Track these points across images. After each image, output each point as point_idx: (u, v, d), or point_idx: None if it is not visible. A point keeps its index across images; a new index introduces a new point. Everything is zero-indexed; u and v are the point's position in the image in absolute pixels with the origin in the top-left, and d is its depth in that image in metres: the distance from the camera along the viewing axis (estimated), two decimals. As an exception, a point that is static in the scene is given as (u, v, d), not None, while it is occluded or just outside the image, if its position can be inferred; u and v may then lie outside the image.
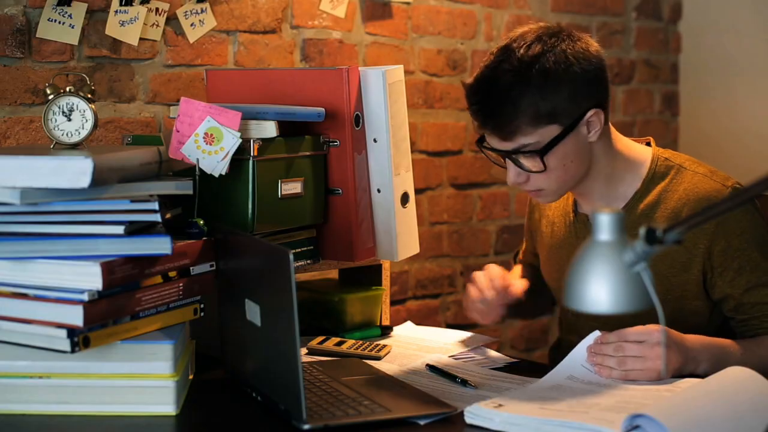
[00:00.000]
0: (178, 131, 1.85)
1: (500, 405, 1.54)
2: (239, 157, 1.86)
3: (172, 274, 1.70)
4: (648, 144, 1.98)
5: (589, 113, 1.82)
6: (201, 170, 1.83)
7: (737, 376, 1.57)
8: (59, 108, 1.76)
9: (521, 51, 1.79)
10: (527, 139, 1.80)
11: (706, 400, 1.48)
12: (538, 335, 3.14)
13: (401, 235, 2.06)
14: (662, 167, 1.92)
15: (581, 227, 1.98)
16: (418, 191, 2.73)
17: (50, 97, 1.76)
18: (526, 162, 1.83)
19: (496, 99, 1.79)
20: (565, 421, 1.46)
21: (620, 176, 1.92)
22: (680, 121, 3.58)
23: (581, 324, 2.02)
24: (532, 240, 2.16)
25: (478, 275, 1.97)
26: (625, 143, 1.93)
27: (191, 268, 1.72)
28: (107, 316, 1.57)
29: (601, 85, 1.85)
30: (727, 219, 1.84)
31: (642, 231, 1.26)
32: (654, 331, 1.69)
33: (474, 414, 1.53)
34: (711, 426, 1.42)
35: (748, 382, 1.55)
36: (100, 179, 1.60)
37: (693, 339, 1.75)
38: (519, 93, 1.77)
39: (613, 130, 1.92)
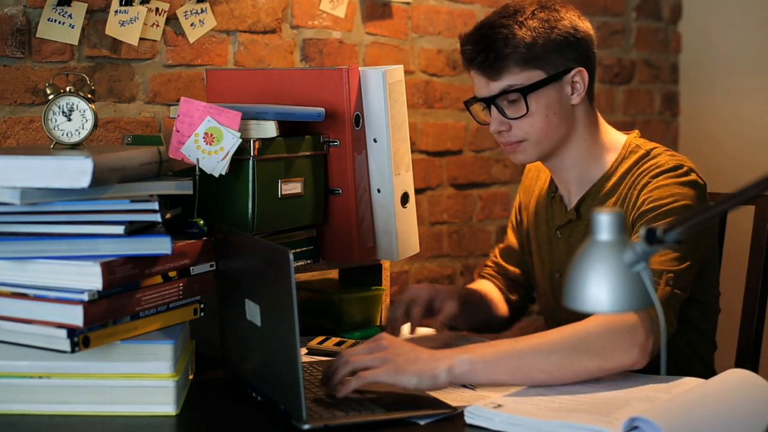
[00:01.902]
0: (178, 131, 1.85)
1: (500, 405, 1.54)
2: (239, 157, 1.86)
3: (172, 274, 1.70)
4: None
5: (575, 70, 1.90)
6: (201, 170, 1.83)
7: (737, 378, 1.57)
8: (59, 108, 1.76)
9: (518, 6, 1.92)
10: (513, 80, 1.88)
11: (703, 402, 1.48)
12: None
13: (401, 235, 2.06)
14: (631, 153, 1.95)
15: (556, 206, 2.03)
16: (418, 191, 2.74)
17: (50, 97, 1.76)
18: (510, 108, 1.90)
19: (490, 37, 1.89)
20: (565, 421, 1.47)
21: (595, 157, 1.96)
22: (680, 121, 3.58)
23: (559, 309, 2.03)
24: (519, 236, 2.17)
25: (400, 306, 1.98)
26: (606, 127, 2.00)
27: (191, 268, 1.72)
28: (107, 316, 1.57)
29: (589, 51, 1.94)
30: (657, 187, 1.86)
31: (642, 231, 1.26)
32: (380, 337, 1.67)
33: (474, 414, 1.53)
34: (708, 428, 1.42)
35: (748, 384, 1.55)
36: (100, 179, 1.60)
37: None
38: (512, 33, 1.88)
39: (598, 114, 1.98)
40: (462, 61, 1.95)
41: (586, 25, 1.94)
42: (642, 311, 1.67)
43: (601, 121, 1.99)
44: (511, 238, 2.20)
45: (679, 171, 1.87)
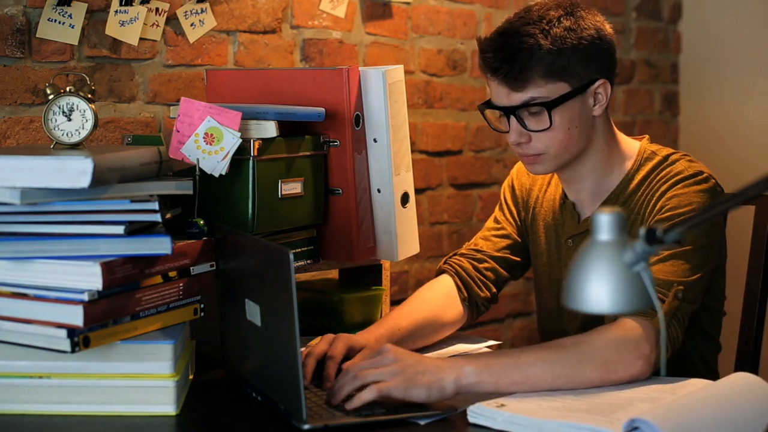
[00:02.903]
0: (178, 131, 1.85)
1: (502, 405, 1.54)
2: (239, 157, 1.86)
3: (172, 274, 1.70)
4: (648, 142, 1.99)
5: (598, 82, 1.87)
6: (201, 170, 1.83)
7: (741, 382, 1.57)
8: (59, 108, 1.76)
9: (543, 11, 1.85)
10: (537, 92, 1.83)
11: (705, 404, 1.48)
12: (537, 335, 3.14)
13: (401, 235, 2.06)
14: (646, 160, 1.93)
15: (567, 215, 1.99)
16: (418, 191, 2.74)
17: (50, 97, 1.76)
18: (531, 120, 1.85)
19: (515, 46, 1.83)
20: (567, 421, 1.47)
21: (611, 167, 1.94)
22: (680, 121, 3.58)
23: (565, 319, 2.02)
24: (516, 226, 2.11)
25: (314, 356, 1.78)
26: (620, 136, 1.97)
27: (191, 268, 1.72)
28: (107, 316, 1.57)
29: (612, 60, 1.90)
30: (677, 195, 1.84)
31: (642, 231, 1.26)
32: (385, 349, 1.65)
33: (476, 413, 1.53)
34: (707, 430, 1.42)
35: (752, 388, 1.55)
36: (100, 179, 1.60)
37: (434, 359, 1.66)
38: (538, 43, 1.82)
39: (612, 122, 1.95)
40: (481, 67, 1.88)
41: (609, 30, 1.89)
42: (647, 323, 1.67)
43: (616, 130, 1.96)
44: (506, 225, 2.11)
45: (698, 178, 1.85)
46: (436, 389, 1.59)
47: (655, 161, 1.91)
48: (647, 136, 1.99)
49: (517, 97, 1.84)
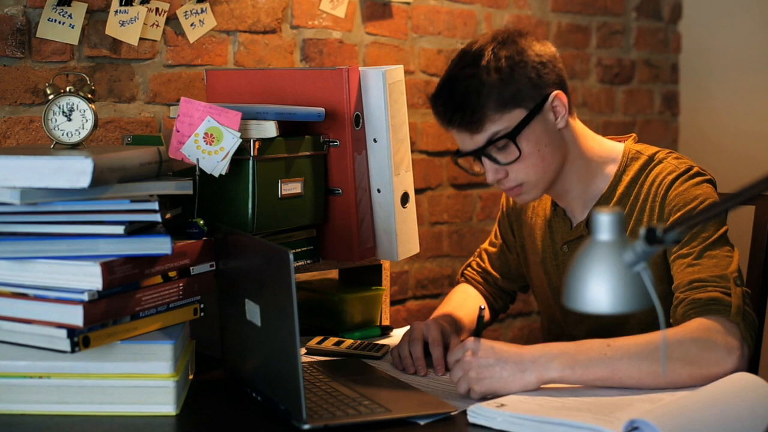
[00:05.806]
0: (178, 131, 1.85)
1: (502, 404, 1.55)
2: (239, 157, 1.86)
3: (172, 274, 1.70)
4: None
5: (552, 95, 1.86)
6: (201, 170, 1.83)
7: (741, 382, 1.57)
8: (59, 108, 1.76)
9: (477, 50, 1.86)
10: (496, 126, 1.84)
11: (705, 405, 1.48)
12: (537, 335, 3.14)
13: (401, 235, 2.06)
14: (632, 160, 1.94)
15: (559, 221, 2.00)
16: (418, 191, 2.74)
17: (50, 97, 1.76)
18: (501, 154, 1.86)
19: (460, 92, 1.84)
20: (567, 420, 1.47)
21: (594, 172, 1.94)
22: (680, 121, 3.58)
23: (570, 323, 2.02)
24: (506, 240, 2.16)
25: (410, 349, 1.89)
26: (597, 139, 1.97)
27: (191, 268, 1.72)
28: (107, 316, 1.57)
29: (559, 71, 1.90)
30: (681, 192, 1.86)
31: (642, 231, 1.26)
32: (459, 348, 1.70)
33: (477, 413, 1.54)
34: (707, 431, 1.42)
35: (752, 388, 1.55)
36: (100, 179, 1.60)
37: (529, 347, 1.69)
38: (480, 82, 1.83)
39: (583, 126, 1.96)
40: (438, 122, 1.89)
41: (546, 48, 1.89)
42: (724, 319, 1.67)
43: (590, 133, 1.96)
44: (505, 241, 2.18)
45: (691, 173, 1.87)
46: (517, 386, 1.63)
47: (641, 161, 1.92)
48: (634, 135, 2.00)
49: (480, 138, 1.85)
